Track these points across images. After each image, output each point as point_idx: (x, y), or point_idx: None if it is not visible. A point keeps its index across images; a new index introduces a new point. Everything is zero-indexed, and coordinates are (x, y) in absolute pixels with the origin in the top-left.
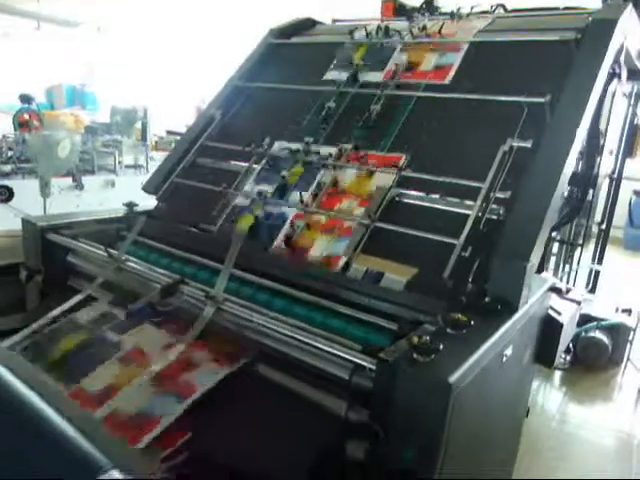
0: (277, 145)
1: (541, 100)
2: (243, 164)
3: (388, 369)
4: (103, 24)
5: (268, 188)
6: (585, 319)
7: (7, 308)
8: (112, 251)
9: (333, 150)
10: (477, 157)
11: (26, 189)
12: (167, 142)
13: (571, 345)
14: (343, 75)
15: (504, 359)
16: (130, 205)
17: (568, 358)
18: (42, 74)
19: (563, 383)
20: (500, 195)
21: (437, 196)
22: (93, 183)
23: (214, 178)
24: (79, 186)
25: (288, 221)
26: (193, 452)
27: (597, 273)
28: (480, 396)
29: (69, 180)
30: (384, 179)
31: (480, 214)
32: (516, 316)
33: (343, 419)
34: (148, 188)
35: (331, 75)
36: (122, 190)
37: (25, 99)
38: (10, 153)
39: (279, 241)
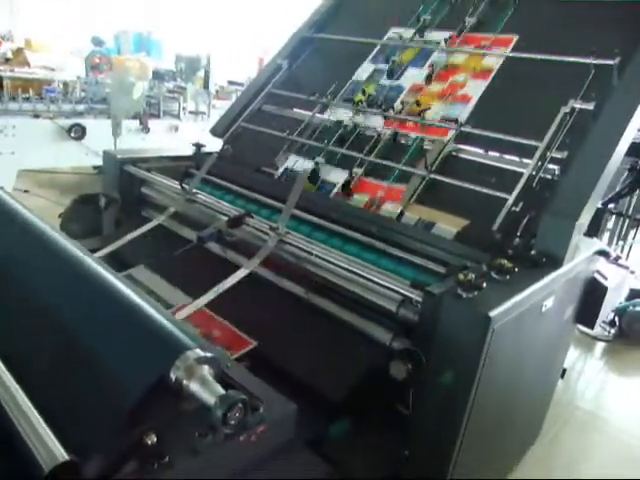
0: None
1: (610, 62)
2: (307, 112)
3: (434, 301)
4: None
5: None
6: (635, 294)
7: (86, 232)
8: (184, 185)
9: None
10: (537, 116)
11: (97, 128)
12: (228, 92)
13: (617, 319)
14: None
15: (543, 309)
16: (198, 145)
17: (612, 331)
18: (111, 19)
19: (605, 354)
20: (557, 155)
21: (494, 153)
22: (158, 127)
23: (278, 125)
24: (145, 129)
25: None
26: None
27: None
28: (516, 338)
29: (136, 123)
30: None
31: (534, 172)
32: (560, 271)
33: (388, 347)
34: (215, 131)
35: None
36: (185, 135)
37: (97, 42)
38: (83, 94)
39: (337, 187)
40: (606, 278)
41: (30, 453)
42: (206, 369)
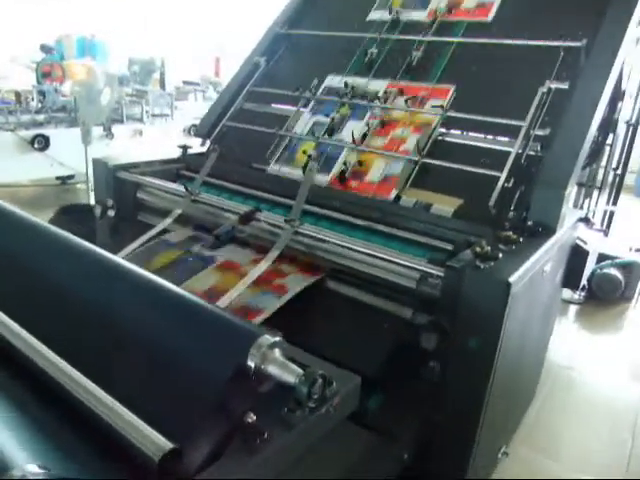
0: (324, 85)
1: (578, 44)
2: (291, 107)
3: (456, 274)
4: None
5: (318, 129)
6: (600, 257)
7: None
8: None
9: (380, 84)
10: (517, 98)
11: (60, 137)
12: (185, 92)
13: (585, 282)
14: (385, 16)
15: (544, 274)
16: (184, 147)
17: (583, 294)
18: (53, 23)
19: (578, 315)
20: (540, 132)
21: (480, 135)
22: (123, 132)
23: (262, 122)
24: (109, 135)
25: (340, 158)
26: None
27: (612, 214)
28: (526, 302)
29: (100, 129)
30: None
31: (520, 150)
32: (554, 238)
33: (409, 322)
34: (199, 133)
35: (375, 15)
36: (150, 139)
37: (46, 49)
38: (39, 104)
39: (332, 177)
40: (586, 242)
41: (132, 446)
42: (277, 352)
